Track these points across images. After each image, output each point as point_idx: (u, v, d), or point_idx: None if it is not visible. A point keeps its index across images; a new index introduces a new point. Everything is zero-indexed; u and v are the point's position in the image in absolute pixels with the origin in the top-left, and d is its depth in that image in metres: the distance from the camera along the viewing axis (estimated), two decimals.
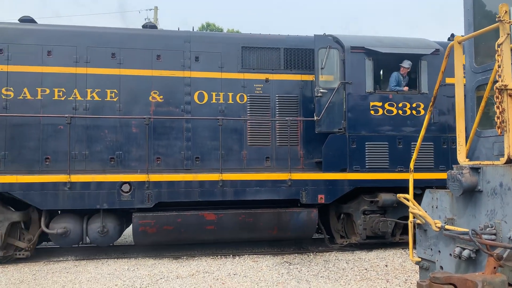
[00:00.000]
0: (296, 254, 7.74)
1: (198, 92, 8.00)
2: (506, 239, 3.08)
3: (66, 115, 7.10)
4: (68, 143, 7.21)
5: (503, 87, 3.16)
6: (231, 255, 7.62)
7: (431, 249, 3.96)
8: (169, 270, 6.60)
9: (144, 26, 8.51)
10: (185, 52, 8.01)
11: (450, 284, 2.69)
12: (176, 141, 7.86)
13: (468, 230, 3.11)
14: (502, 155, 3.29)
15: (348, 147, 7.78)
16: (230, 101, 8.10)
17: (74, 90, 7.61)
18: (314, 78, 8.26)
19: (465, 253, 3.33)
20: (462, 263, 3.46)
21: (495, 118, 3.23)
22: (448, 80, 7.32)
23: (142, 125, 7.69)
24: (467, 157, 3.80)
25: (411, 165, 4.45)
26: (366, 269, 6.64)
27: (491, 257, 2.86)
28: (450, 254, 3.59)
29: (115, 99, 7.73)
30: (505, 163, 3.26)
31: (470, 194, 3.51)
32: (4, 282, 6.05)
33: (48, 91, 7.53)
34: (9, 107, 7.39)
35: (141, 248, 8.19)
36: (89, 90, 7.66)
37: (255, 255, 7.63)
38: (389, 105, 7.93)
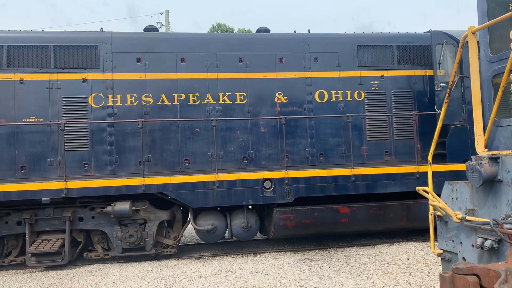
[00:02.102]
0: (317, 251, 7.80)
1: (318, 91, 8.35)
2: None
3: (211, 118, 7.52)
4: (214, 144, 7.63)
5: None
6: (252, 254, 7.72)
7: (453, 240, 3.91)
8: (192, 270, 6.65)
9: (258, 31, 8.88)
10: (305, 54, 8.37)
11: (473, 274, 2.64)
12: (301, 139, 8.20)
13: (489, 220, 3.07)
14: None
15: (469, 138, 8.03)
16: (349, 99, 8.43)
17: (207, 95, 8.01)
18: (425, 73, 8.59)
19: (487, 243, 3.28)
20: (484, 254, 3.40)
21: None
22: None
23: (270, 125, 8.09)
24: (485, 147, 3.73)
25: (429, 158, 4.36)
26: (388, 263, 6.60)
27: None
28: (472, 245, 3.55)
29: (244, 102, 8.11)
30: None
31: (490, 184, 3.46)
32: (33, 286, 6.18)
33: (184, 96, 7.94)
34: (149, 112, 7.82)
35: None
36: (220, 94, 8.05)
37: (275, 253, 7.71)
38: None
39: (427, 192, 4.10)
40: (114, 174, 7.59)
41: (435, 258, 6.52)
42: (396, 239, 8.44)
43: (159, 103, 7.88)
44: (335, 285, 5.57)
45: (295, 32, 8.74)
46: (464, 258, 3.74)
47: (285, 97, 8.24)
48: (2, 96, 7.44)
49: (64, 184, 6.98)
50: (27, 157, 7.41)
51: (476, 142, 3.76)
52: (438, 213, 4.05)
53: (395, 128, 8.46)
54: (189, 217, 7.65)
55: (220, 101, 8.05)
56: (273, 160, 8.08)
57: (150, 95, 7.85)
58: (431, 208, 4.17)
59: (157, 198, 7.59)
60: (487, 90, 4.07)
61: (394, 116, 8.43)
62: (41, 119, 7.49)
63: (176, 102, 7.92)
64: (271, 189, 7.55)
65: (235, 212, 7.74)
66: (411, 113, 8.13)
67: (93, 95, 7.68)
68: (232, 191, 7.45)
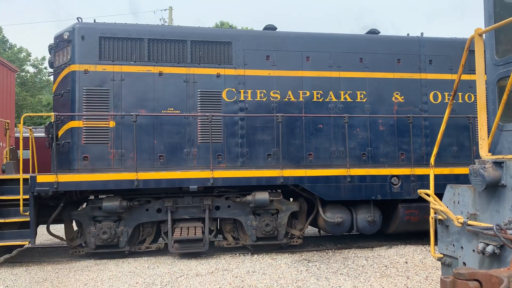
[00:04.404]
0: (314, 252, 7.77)
1: (433, 92, 8.69)
2: None
3: (344, 115, 7.85)
4: (346, 140, 7.94)
5: None
6: (250, 253, 7.68)
7: (453, 245, 3.84)
8: (189, 268, 6.60)
9: (368, 32, 9.20)
10: (420, 56, 8.71)
11: (475, 280, 2.58)
12: (417, 138, 8.53)
13: (492, 225, 3.02)
14: None
15: None
16: (460, 101, 8.77)
17: (330, 92, 8.34)
18: None
19: (489, 248, 3.21)
20: (485, 259, 3.34)
21: None
22: None
23: (388, 123, 8.41)
24: (489, 151, 3.70)
25: (432, 160, 4.29)
26: (386, 266, 6.56)
27: None
28: (473, 250, 3.49)
29: (364, 100, 8.44)
30: None
31: (493, 188, 3.43)
32: (28, 280, 6.13)
33: (308, 93, 8.27)
34: (276, 108, 8.13)
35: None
36: (342, 92, 8.38)
37: (273, 253, 7.70)
38: None
39: (428, 195, 4.02)
40: (245, 166, 7.89)
41: (434, 262, 6.51)
42: (395, 242, 8.48)
43: (286, 99, 8.20)
44: (332, 286, 5.54)
45: (408, 34, 9.08)
46: (464, 263, 3.68)
47: (402, 97, 8.57)
48: (143, 87, 7.75)
49: (210, 173, 7.28)
50: (165, 147, 7.71)
51: (479, 146, 3.73)
52: (439, 217, 3.99)
53: None
54: (316, 209, 7.93)
55: (342, 99, 8.38)
56: (390, 157, 8.40)
57: (278, 91, 8.18)
58: (431, 211, 4.11)
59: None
60: (492, 93, 4.01)
61: None
62: (178, 111, 7.81)
63: (301, 99, 8.25)
64: (398, 185, 7.86)
65: (359, 207, 8.03)
66: None
67: (226, 89, 7.99)
68: (362, 186, 7.76)
